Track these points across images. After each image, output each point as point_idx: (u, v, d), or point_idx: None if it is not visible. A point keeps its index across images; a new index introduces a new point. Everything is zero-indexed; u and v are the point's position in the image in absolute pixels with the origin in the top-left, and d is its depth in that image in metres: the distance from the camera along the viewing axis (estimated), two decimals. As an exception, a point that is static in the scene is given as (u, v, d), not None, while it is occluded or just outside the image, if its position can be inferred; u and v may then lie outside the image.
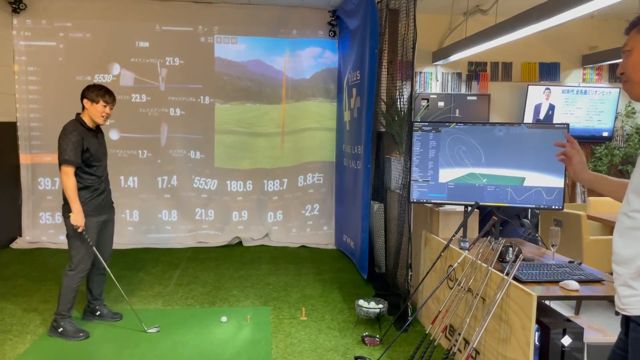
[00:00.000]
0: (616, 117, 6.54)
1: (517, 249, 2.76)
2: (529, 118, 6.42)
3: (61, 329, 3.37)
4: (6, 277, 4.63)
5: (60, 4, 5.73)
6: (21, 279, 4.59)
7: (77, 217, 3.24)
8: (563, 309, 3.91)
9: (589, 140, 6.62)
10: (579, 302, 3.85)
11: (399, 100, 4.23)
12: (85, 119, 3.38)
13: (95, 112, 3.35)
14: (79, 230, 3.26)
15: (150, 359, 3.12)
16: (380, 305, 3.61)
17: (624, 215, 1.57)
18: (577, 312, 3.83)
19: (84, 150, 3.30)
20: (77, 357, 3.13)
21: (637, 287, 1.51)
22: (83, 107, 3.38)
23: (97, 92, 3.35)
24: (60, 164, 3.26)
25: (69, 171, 3.24)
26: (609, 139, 6.61)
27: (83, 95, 3.38)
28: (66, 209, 3.31)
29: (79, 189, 3.31)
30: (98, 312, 3.68)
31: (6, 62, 5.67)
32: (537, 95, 6.44)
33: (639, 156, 1.59)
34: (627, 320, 1.58)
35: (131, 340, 3.36)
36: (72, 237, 3.34)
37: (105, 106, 3.37)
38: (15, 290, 4.29)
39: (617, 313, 1.60)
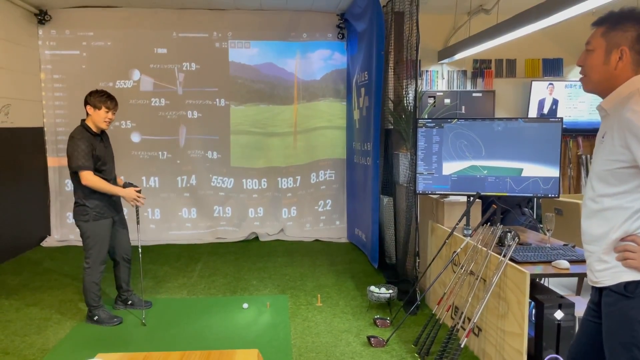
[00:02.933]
0: (619, 110, 6.70)
1: (513, 233, 3.00)
2: (533, 113, 6.62)
3: (96, 317, 3.66)
4: (41, 272, 4.96)
5: (83, 15, 6.06)
6: (54, 273, 4.92)
7: (128, 194, 3.54)
8: (563, 292, 4.14)
9: (593, 133, 6.80)
10: (580, 283, 4.07)
11: (405, 98, 4.48)
12: (90, 124, 3.53)
13: (98, 118, 3.50)
14: (140, 202, 3.59)
15: (179, 340, 3.42)
16: (391, 291, 3.87)
17: (590, 200, 1.78)
18: (578, 292, 4.05)
19: (93, 155, 3.48)
20: (113, 340, 3.44)
21: (610, 261, 1.72)
22: (87, 113, 3.54)
23: (99, 98, 3.49)
24: (76, 171, 3.43)
25: (88, 175, 3.42)
26: (613, 131, 6.78)
27: (86, 102, 3.51)
28: (79, 212, 3.53)
29: (91, 193, 3.50)
30: (130, 302, 3.97)
31: (33, 71, 6.01)
32: (541, 90, 6.63)
33: (596, 144, 1.80)
34: (599, 291, 1.80)
35: (161, 325, 3.66)
36: (86, 237, 3.58)
37: (107, 112, 3.51)
38: (50, 283, 4.62)
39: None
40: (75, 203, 3.57)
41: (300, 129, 6.52)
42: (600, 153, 1.74)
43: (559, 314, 2.69)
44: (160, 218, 6.35)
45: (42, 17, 5.98)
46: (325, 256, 5.59)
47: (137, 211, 3.82)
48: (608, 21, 1.71)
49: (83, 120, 3.57)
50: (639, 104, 1.60)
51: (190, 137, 6.35)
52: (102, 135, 3.65)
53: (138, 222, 3.84)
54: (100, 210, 3.56)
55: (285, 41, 6.36)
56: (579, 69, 1.83)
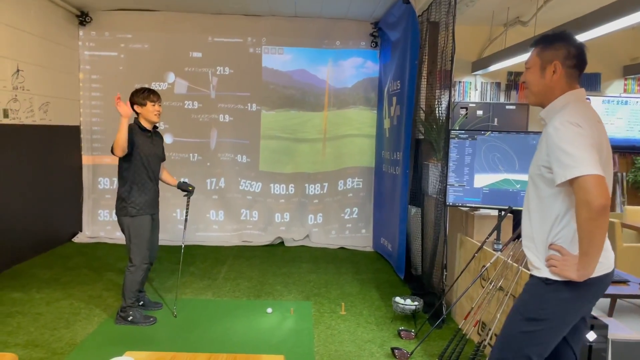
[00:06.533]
0: (658, 128, 6.52)
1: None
2: (568, 127, 6.48)
3: (131, 317, 3.68)
4: (71, 267, 5.07)
5: (122, 17, 6.21)
6: (84, 269, 5.02)
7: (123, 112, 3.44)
8: (595, 312, 4.01)
9: (630, 151, 6.61)
10: (612, 304, 3.94)
11: (437, 109, 4.44)
12: (142, 121, 3.67)
13: (147, 113, 3.64)
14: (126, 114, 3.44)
15: (203, 342, 3.44)
16: (416, 303, 3.82)
17: (526, 199, 2.01)
18: (610, 313, 3.93)
19: (133, 145, 3.52)
20: (138, 337, 3.48)
21: (532, 258, 1.96)
22: (137, 113, 3.66)
23: (141, 95, 3.62)
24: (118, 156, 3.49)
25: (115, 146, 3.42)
26: (651, 149, 6.59)
27: (132, 103, 3.63)
28: (118, 207, 3.62)
29: (131, 190, 3.57)
30: (141, 302, 3.96)
31: (72, 71, 6.18)
32: (576, 105, 6.48)
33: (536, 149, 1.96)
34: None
35: (185, 327, 3.69)
36: (127, 233, 3.63)
37: (153, 105, 3.64)
38: (80, 279, 4.71)
39: None
40: (117, 198, 3.67)
41: (329, 135, 6.53)
42: (534, 158, 1.96)
43: (591, 335, 2.61)
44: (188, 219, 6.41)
45: (83, 18, 6.15)
46: (350, 264, 5.57)
47: (187, 209, 4.01)
48: (542, 42, 1.97)
49: (136, 118, 3.68)
50: (560, 121, 1.78)
51: (221, 140, 6.42)
52: (152, 133, 3.74)
53: (186, 219, 4.09)
54: (138, 206, 3.61)
55: (319, 48, 6.39)
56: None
